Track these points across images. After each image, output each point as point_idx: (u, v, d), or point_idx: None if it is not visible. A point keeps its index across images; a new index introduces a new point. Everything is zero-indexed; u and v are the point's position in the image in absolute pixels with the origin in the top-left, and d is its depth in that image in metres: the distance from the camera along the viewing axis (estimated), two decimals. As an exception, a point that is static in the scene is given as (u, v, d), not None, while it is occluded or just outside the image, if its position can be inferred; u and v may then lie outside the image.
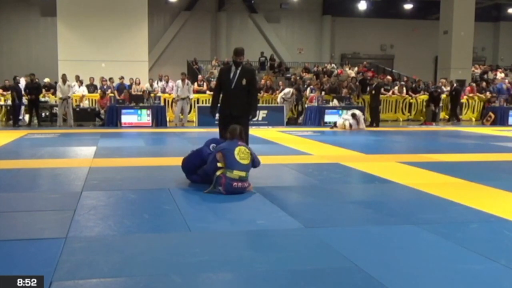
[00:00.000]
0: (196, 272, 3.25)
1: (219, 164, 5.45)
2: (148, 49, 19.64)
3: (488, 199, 5.47)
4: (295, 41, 30.84)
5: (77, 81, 16.75)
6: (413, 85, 19.35)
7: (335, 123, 14.90)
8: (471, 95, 19.54)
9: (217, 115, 7.13)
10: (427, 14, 29.32)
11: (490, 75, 24.42)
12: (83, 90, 16.89)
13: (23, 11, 26.86)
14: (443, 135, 13.61)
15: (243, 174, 5.45)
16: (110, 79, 17.29)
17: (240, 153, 5.45)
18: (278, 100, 17.08)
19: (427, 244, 3.91)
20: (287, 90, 17.25)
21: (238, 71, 6.63)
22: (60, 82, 14.91)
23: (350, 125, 14.41)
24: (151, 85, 17.63)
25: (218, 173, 5.42)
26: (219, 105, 6.89)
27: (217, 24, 29.65)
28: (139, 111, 14.92)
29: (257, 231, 4.19)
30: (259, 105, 17.04)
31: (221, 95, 6.82)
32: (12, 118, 15.19)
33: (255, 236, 4.07)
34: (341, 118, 14.92)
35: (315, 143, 10.93)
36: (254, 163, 5.68)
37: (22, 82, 16.22)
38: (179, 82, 15.71)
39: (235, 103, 6.62)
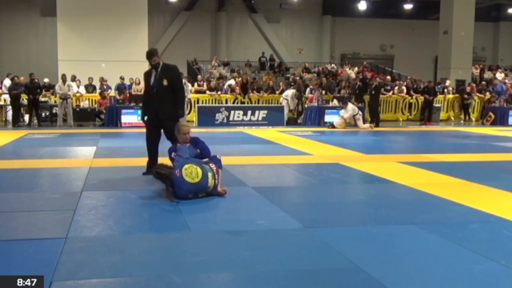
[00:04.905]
0: (196, 272, 3.25)
1: None
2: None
3: (488, 199, 5.47)
4: (295, 41, 30.84)
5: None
6: (415, 85, 19.25)
7: (332, 124, 14.93)
8: (472, 95, 19.52)
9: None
10: (427, 14, 29.31)
11: (489, 74, 24.40)
12: (78, 90, 16.84)
13: (23, 11, 26.86)
14: (443, 135, 13.61)
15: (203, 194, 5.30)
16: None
17: (189, 173, 5.15)
18: (282, 101, 17.12)
19: (427, 244, 3.91)
20: (286, 92, 17.39)
21: (158, 73, 6.38)
22: (60, 82, 14.90)
23: (354, 120, 14.62)
24: None
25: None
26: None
27: (217, 24, 29.66)
28: (139, 111, 14.90)
29: (257, 231, 4.18)
30: (259, 105, 17.21)
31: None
32: (12, 118, 15.21)
33: (255, 236, 4.07)
34: (340, 118, 14.97)
35: (315, 143, 10.93)
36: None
37: (6, 82, 16.22)
38: None
39: (159, 106, 6.39)
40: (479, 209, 4.94)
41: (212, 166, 5.37)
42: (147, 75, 6.68)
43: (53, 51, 19.40)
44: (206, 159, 5.57)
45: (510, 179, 6.67)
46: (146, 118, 6.69)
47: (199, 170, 5.18)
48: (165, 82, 6.36)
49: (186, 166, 5.15)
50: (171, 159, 5.64)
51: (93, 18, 17.96)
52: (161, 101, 6.39)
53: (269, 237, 4.03)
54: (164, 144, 6.38)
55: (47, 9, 24.91)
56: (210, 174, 5.26)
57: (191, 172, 5.12)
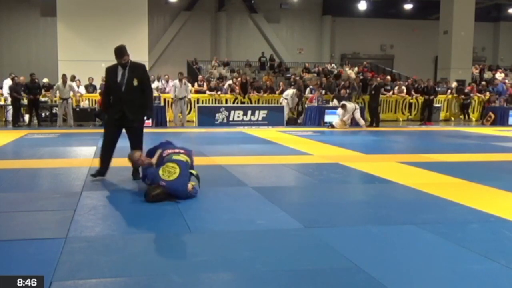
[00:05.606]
0: (196, 272, 3.25)
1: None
2: (148, 49, 19.63)
3: (488, 199, 5.47)
4: (295, 41, 30.86)
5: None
6: (415, 85, 19.24)
7: (331, 124, 14.92)
8: (471, 95, 19.54)
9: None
10: (427, 14, 29.33)
11: (489, 74, 24.40)
12: (78, 90, 16.84)
13: (23, 11, 26.88)
14: (443, 135, 13.61)
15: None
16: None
17: (168, 173, 5.21)
18: (282, 101, 17.13)
19: (427, 244, 3.91)
20: (286, 91, 17.41)
21: (127, 72, 6.10)
22: (60, 83, 14.90)
23: (350, 120, 14.61)
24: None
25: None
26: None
27: (217, 24, 29.68)
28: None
29: (257, 231, 4.18)
30: (259, 105, 17.21)
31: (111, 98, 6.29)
32: (12, 118, 15.22)
33: (255, 236, 4.07)
34: (337, 117, 14.96)
35: (315, 143, 10.92)
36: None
37: (6, 82, 16.24)
38: (177, 82, 15.68)
39: (129, 106, 6.11)
40: (479, 209, 4.94)
41: (167, 152, 5.49)
42: (111, 71, 6.26)
43: (53, 51, 19.40)
44: (163, 152, 5.60)
45: (510, 179, 6.67)
46: (109, 117, 6.34)
47: (170, 164, 5.27)
48: (135, 82, 6.12)
49: (160, 173, 5.19)
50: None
51: (93, 18, 17.95)
52: (129, 101, 6.14)
53: (269, 237, 4.03)
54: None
55: (47, 9, 24.90)
56: (175, 157, 5.37)
57: (169, 172, 5.17)
